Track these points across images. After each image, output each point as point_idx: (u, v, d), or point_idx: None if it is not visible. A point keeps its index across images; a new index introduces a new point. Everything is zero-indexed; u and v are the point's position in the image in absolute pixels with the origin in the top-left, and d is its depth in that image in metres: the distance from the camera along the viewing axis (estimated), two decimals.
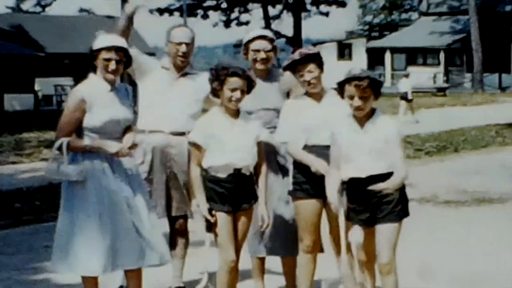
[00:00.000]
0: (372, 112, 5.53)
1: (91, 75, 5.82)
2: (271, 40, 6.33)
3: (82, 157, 5.68)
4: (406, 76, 28.90)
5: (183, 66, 6.52)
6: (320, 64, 5.91)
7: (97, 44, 5.76)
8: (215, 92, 5.76)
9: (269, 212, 5.89)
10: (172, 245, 6.63)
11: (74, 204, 5.67)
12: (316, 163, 5.76)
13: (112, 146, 5.70)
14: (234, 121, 5.76)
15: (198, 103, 6.53)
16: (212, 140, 5.70)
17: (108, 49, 5.72)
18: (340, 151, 5.53)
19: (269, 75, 6.35)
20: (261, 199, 5.82)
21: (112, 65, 5.72)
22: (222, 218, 5.69)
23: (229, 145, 5.69)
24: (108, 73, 5.74)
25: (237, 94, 5.68)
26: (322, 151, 5.78)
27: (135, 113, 6.17)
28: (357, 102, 5.41)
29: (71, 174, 5.61)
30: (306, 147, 5.91)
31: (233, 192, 5.72)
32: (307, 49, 5.97)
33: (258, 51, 6.28)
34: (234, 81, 5.68)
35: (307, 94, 5.98)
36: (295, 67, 5.89)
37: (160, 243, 5.88)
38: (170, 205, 6.52)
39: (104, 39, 5.78)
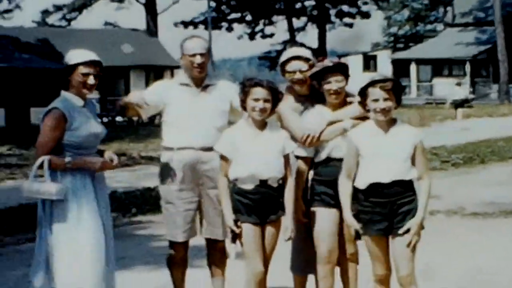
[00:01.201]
0: (394, 121, 5.56)
1: (63, 92, 5.65)
2: (306, 60, 6.10)
3: (61, 175, 5.51)
4: (458, 84, 28.87)
5: (201, 77, 6.30)
6: (346, 76, 5.91)
7: (74, 58, 5.62)
8: (242, 104, 5.79)
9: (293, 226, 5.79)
10: (210, 263, 6.50)
11: (57, 223, 5.48)
12: (307, 128, 5.83)
13: (96, 162, 5.59)
14: (260, 132, 5.76)
15: (224, 115, 6.33)
16: (236, 151, 5.71)
17: (86, 63, 5.60)
18: (355, 158, 5.51)
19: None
20: (288, 211, 5.78)
21: (91, 80, 5.60)
22: (248, 230, 5.68)
23: (252, 156, 5.68)
24: (85, 88, 5.62)
25: (260, 104, 5.68)
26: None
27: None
28: (382, 104, 5.43)
29: (53, 192, 5.40)
30: (328, 159, 5.89)
31: (260, 204, 5.70)
32: (336, 59, 5.99)
33: (294, 72, 6.08)
34: (256, 91, 5.70)
35: (328, 105, 5.95)
36: (323, 75, 5.87)
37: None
38: (204, 224, 6.33)
39: (80, 54, 5.66)
